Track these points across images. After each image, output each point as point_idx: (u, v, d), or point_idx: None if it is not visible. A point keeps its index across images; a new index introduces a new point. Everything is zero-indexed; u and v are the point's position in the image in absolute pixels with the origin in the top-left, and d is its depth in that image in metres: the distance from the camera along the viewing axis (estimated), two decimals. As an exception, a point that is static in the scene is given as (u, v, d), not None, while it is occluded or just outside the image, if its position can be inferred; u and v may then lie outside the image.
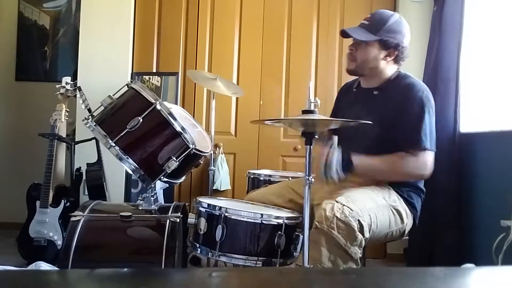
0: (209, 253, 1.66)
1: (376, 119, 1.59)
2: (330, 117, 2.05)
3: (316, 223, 1.54)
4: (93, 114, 1.81)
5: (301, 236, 1.58)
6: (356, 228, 1.53)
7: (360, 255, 1.56)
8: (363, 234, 1.54)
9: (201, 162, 1.98)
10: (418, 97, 1.74)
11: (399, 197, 1.79)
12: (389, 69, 1.86)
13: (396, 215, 1.74)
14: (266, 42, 3.16)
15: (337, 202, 1.57)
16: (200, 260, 2.18)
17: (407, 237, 2.63)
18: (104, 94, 1.82)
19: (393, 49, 1.81)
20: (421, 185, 1.86)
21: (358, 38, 1.81)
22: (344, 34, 1.85)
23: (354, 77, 2.03)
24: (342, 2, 3.17)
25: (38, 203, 2.52)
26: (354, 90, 1.99)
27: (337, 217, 1.52)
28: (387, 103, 1.81)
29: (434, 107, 1.78)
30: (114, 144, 1.71)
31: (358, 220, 1.54)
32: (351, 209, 1.54)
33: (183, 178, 1.98)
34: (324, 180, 1.66)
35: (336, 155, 1.63)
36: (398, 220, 1.75)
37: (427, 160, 1.72)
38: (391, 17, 1.81)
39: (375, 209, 1.65)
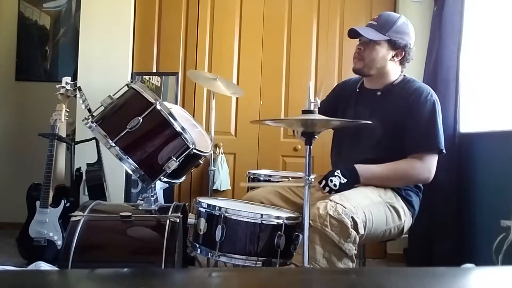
0: (209, 253, 1.66)
1: (379, 120, 1.59)
2: (323, 108, 2.05)
3: (310, 221, 1.55)
4: (93, 114, 1.80)
5: (300, 236, 1.58)
6: (349, 225, 1.54)
7: (355, 252, 1.56)
8: (357, 231, 1.55)
9: (201, 162, 1.98)
10: (428, 101, 1.78)
11: (396, 195, 1.80)
12: (394, 71, 1.89)
13: (392, 212, 1.76)
14: (266, 42, 3.16)
15: (330, 200, 1.58)
16: (194, 260, 2.18)
17: (407, 237, 2.63)
18: (104, 94, 1.82)
19: (401, 50, 1.85)
20: (420, 183, 1.87)
21: (368, 37, 1.82)
22: (352, 33, 1.86)
23: (355, 76, 2.03)
24: (342, 2, 3.17)
25: (38, 203, 2.52)
26: (357, 90, 1.99)
27: (330, 215, 1.54)
28: (391, 105, 1.83)
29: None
30: (114, 144, 1.71)
31: (352, 217, 1.55)
32: (344, 207, 1.56)
33: (183, 178, 1.98)
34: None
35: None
36: (395, 217, 1.76)
37: (434, 163, 1.77)
38: (399, 18, 1.85)
39: (370, 206, 1.66)
